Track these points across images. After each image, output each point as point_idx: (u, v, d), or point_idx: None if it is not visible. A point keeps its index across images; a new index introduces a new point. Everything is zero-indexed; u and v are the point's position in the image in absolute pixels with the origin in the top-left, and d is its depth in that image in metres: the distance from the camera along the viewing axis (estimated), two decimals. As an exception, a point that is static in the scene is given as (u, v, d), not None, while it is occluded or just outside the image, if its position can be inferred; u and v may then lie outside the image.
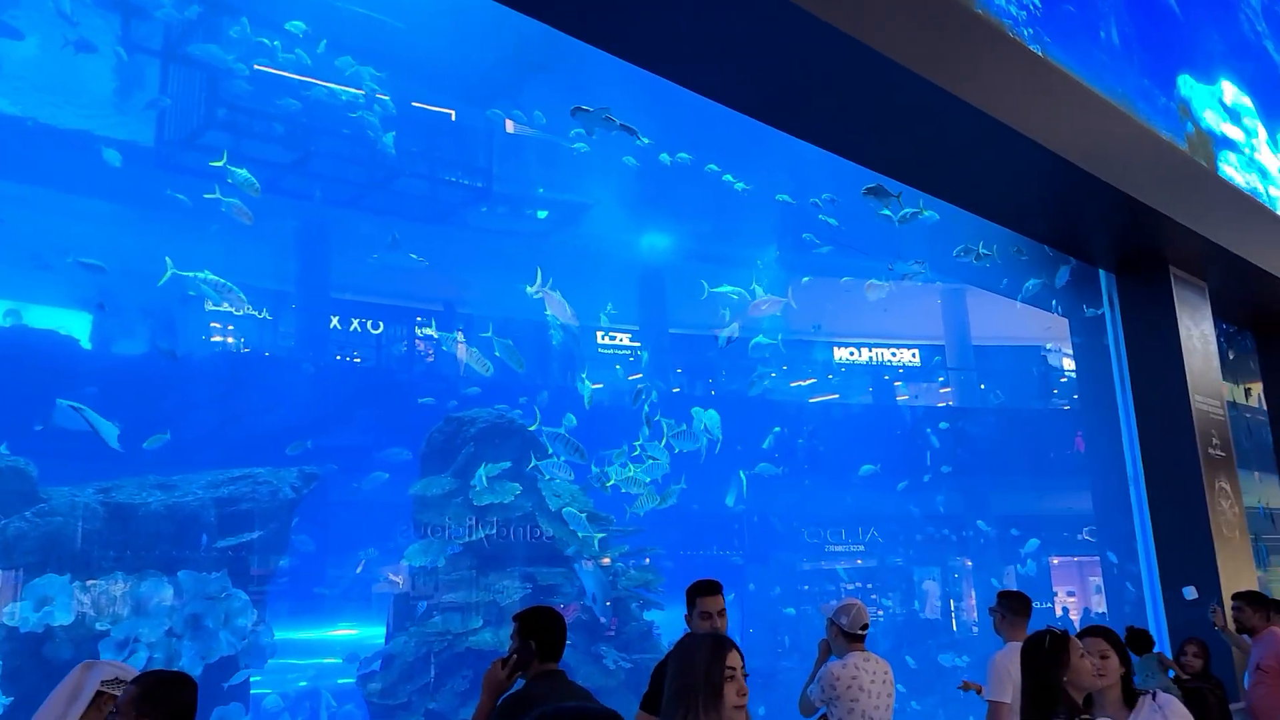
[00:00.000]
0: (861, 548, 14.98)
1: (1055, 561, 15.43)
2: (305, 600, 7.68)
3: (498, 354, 7.89)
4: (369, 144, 8.66)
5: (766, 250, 12.28)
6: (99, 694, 3.18)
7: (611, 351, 12.20)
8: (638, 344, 12.87)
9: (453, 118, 9.86)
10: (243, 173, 7.46)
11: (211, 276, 7.18)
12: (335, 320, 7.73)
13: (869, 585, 14.29)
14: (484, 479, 7.21)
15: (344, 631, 7.51)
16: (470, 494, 7.37)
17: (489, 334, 7.81)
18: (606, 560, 8.06)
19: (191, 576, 6.55)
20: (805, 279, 12.37)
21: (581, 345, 10.59)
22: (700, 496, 10.53)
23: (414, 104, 9.38)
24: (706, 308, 11.49)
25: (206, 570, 6.65)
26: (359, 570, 7.87)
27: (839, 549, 14.84)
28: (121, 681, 3.21)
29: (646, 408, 9.21)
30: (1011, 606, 5.08)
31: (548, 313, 7.92)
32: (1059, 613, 14.82)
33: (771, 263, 12.46)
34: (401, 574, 7.66)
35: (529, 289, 7.31)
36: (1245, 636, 6.25)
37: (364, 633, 7.75)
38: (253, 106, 8.51)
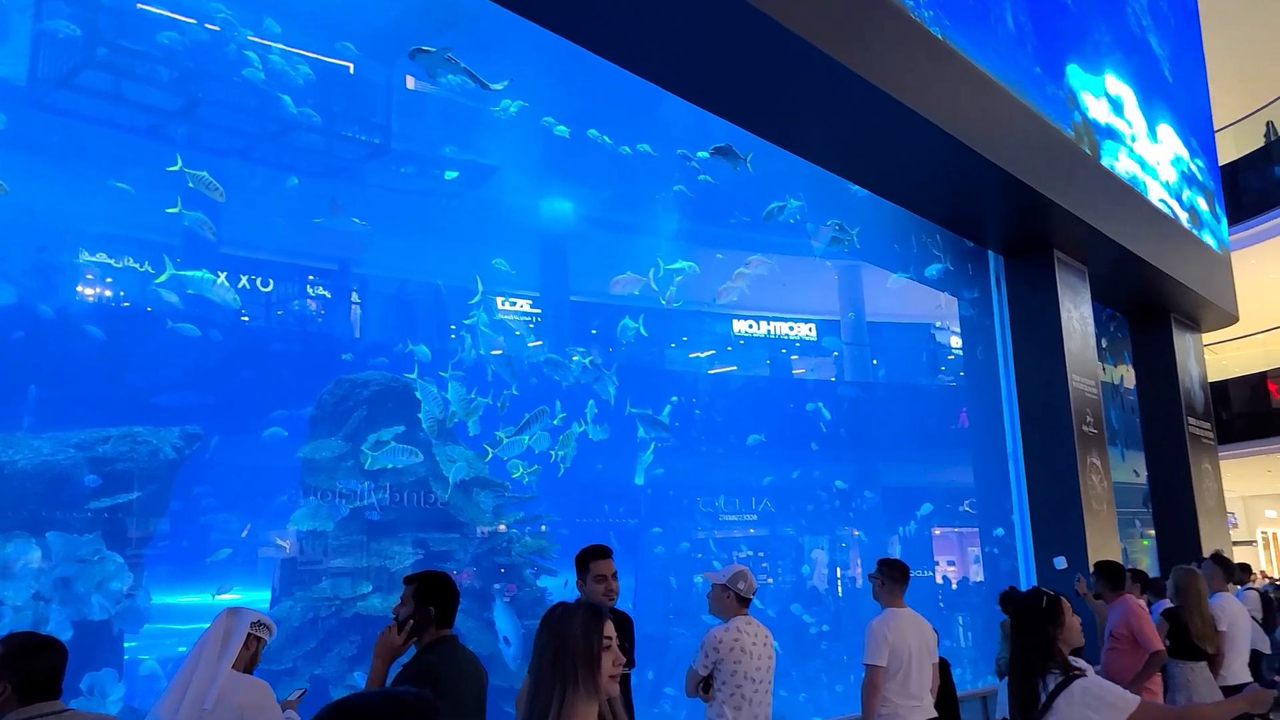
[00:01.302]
0: (754, 517, 15.25)
1: (937, 532, 15.98)
2: (186, 564, 7.42)
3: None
4: (261, 93, 8.32)
5: (669, 220, 12.31)
6: (248, 636, 3.44)
7: (512, 318, 12.06)
8: (538, 310, 12.76)
9: (351, 71, 9.56)
10: (203, 174, 7.16)
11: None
12: (222, 276, 7.42)
13: (760, 554, 14.58)
14: (376, 443, 7.08)
15: (226, 596, 7.29)
16: (361, 458, 7.23)
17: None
18: (503, 527, 8.03)
19: (61, 538, 6.25)
20: (719, 255, 12.46)
21: (483, 310, 10.45)
22: (595, 464, 10.55)
23: (311, 55, 9.06)
24: (609, 275, 11.46)
25: (79, 532, 6.37)
26: (243, 534, 7.63)
27: (732, 518, 15.07)
28: (265, 625, 3.53)
29: (569, 377, 9.19)
30: (891, 574, 5.25)
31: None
32: (939, 581, 15.35)
33: (675, 233, 12.50)
34: (288, 538, 7.49)
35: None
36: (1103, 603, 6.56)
37: (248, 598, 7.54)
38: (136, 47, 8.07)
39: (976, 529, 12.93)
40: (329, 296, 9.85)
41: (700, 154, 9.99)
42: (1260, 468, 22.65)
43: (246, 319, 8.68)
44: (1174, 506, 14.14)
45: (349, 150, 9.34)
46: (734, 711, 4.57)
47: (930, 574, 15.66)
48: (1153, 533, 14.26)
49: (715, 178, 10.38)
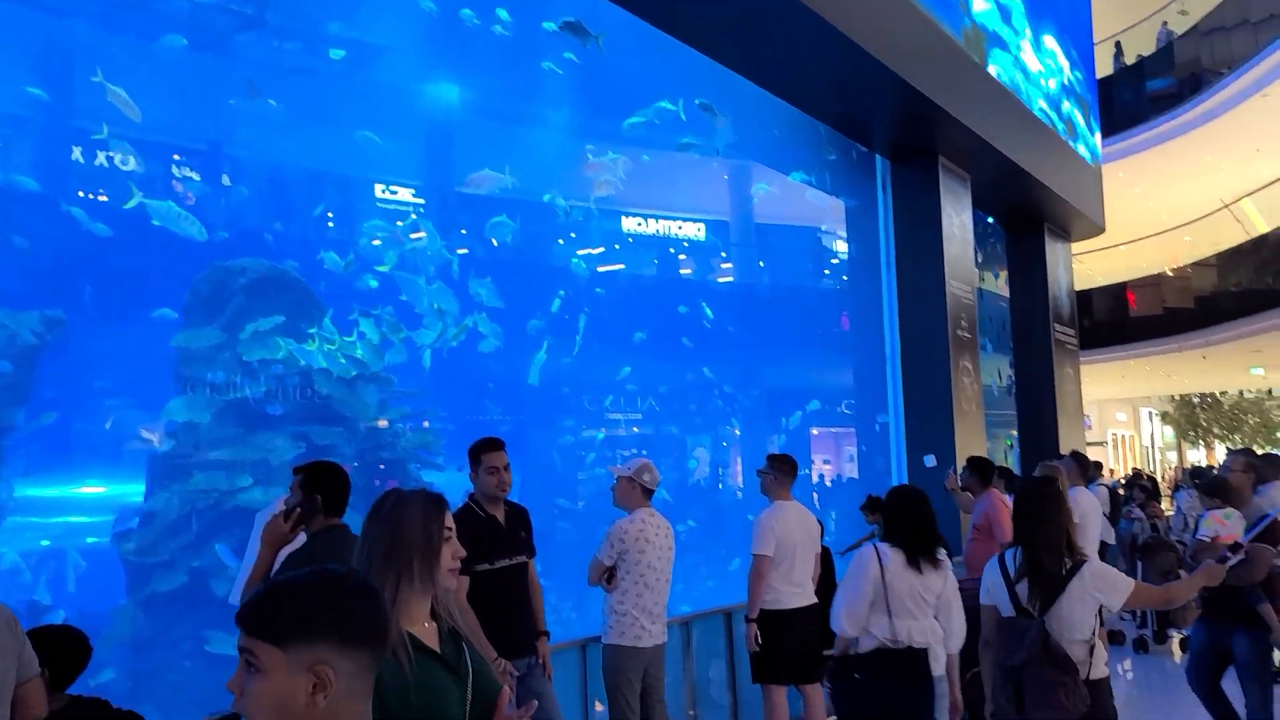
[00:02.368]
0: (639, 415, 15.44)
1: (815, 432, 16.51)
2: (50, 455, 7.05)
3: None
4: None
5: (560, 112, 12.00)
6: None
7: (392, 207, 11.65)
8: (420, 200, 12.35)
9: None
10: (120, 92, 6.51)
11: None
12: (78, 152, 6.87)
13: (643, 452, 14.82)
14: (255, 333, 6.78)
15: (94, 489, 6.99)
16: (239, 348, 6.94)
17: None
18: (384, 422, 7.88)
19: (-92, 427, 5.85)
20: (610, 153, 12.22)
21: (358, 198, 10.05)
22: (485, 361, 10.43)
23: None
24: (495, 167, 11.16)
25: (-73, 422, 5.97)
26: (108, 425, 7.27)
27: (618, 416, 15.23)
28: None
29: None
30: (780, 469, 5.40)
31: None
32: (815, 479, 15.91)
33: (565, 125, 12.21)
34: (162, 430, 7.19)
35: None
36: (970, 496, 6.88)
37: (118, 490, 7.25)
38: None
39: (853, 429, 13.37)
40: (199, 179, 9.29)
41: (547, 24, 9.64)
42: (1115, 373, 24.09)
43: (105, 199, 8.11)
44: (1036, 408, 14.90)
45: (222, 21, 8.71)
46: (636, 598, 4.68)
47: (808, 472, 16.24)
48: (1015, 433, 15.03)
49: (607, 69, 10.14)
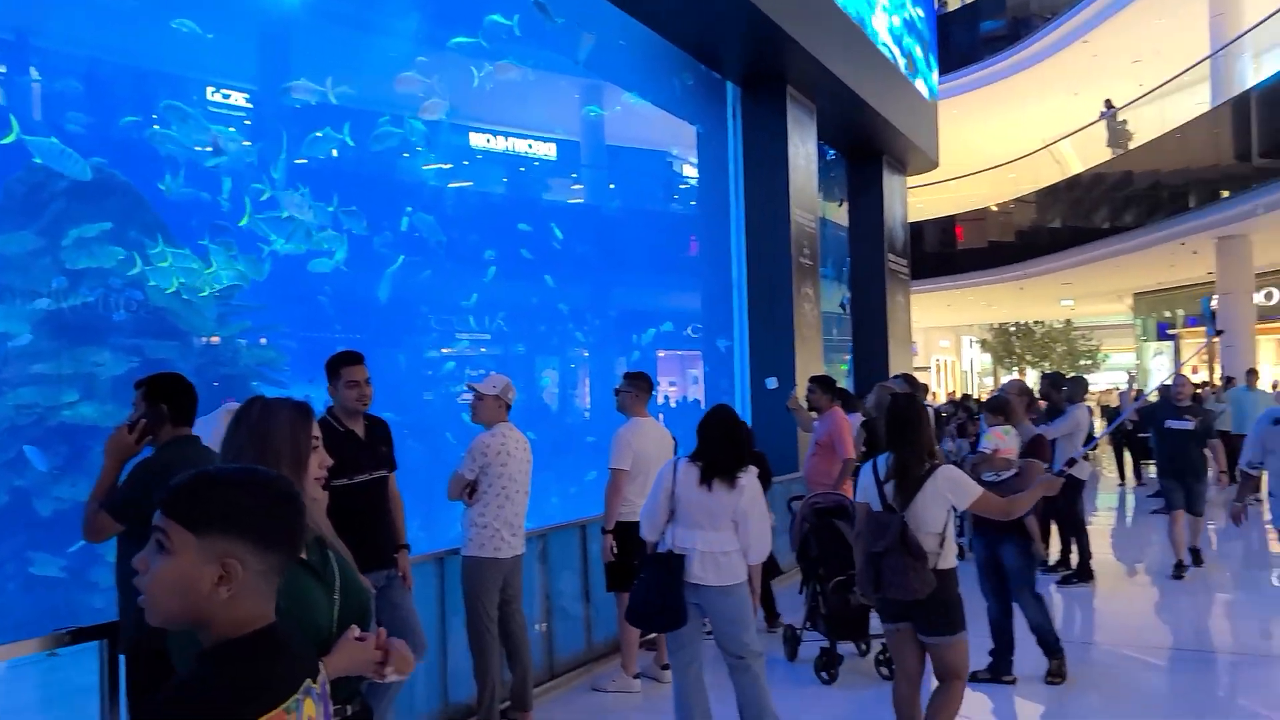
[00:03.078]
0: (488, 336, 15.32)
1: (662, 355, 16.82)
2: None
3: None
4: None
5: (408, 19, 11.55)
6: None
7: (227, 112, 11.00)
8: (252, 105, 11.70)
9: None
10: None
11: None
12: None
13: (487, 372, 14.75)
14: (79, 239, 6.31)
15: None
16: (62, 255, 6.44)
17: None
18: (215, 339, 7.54)
19: None
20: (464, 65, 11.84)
21: (189, 100, 9.44)
22: (327, 277, 10.10)
23: None
24: (340, 75, 10.67)
25: None
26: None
27: (466, 336, 15.07)
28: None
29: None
30: (637, 386, 5.54)
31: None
32: (661, 401, 16.25)
33: (412, 34, 11.76)
34: (-30, 342, 6.64)
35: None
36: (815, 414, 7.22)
37: (-79, 407, 6.69)
38: None
39: (699, 352, 13.66)
40: (6, 71, 8.49)
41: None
42: (942, 302, 25.46)
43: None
44: (870, 334, 15.60)
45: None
46: (498, 510, 4.75)
47: (654, 394, 16.58)
48: (849, 357, 15.73)
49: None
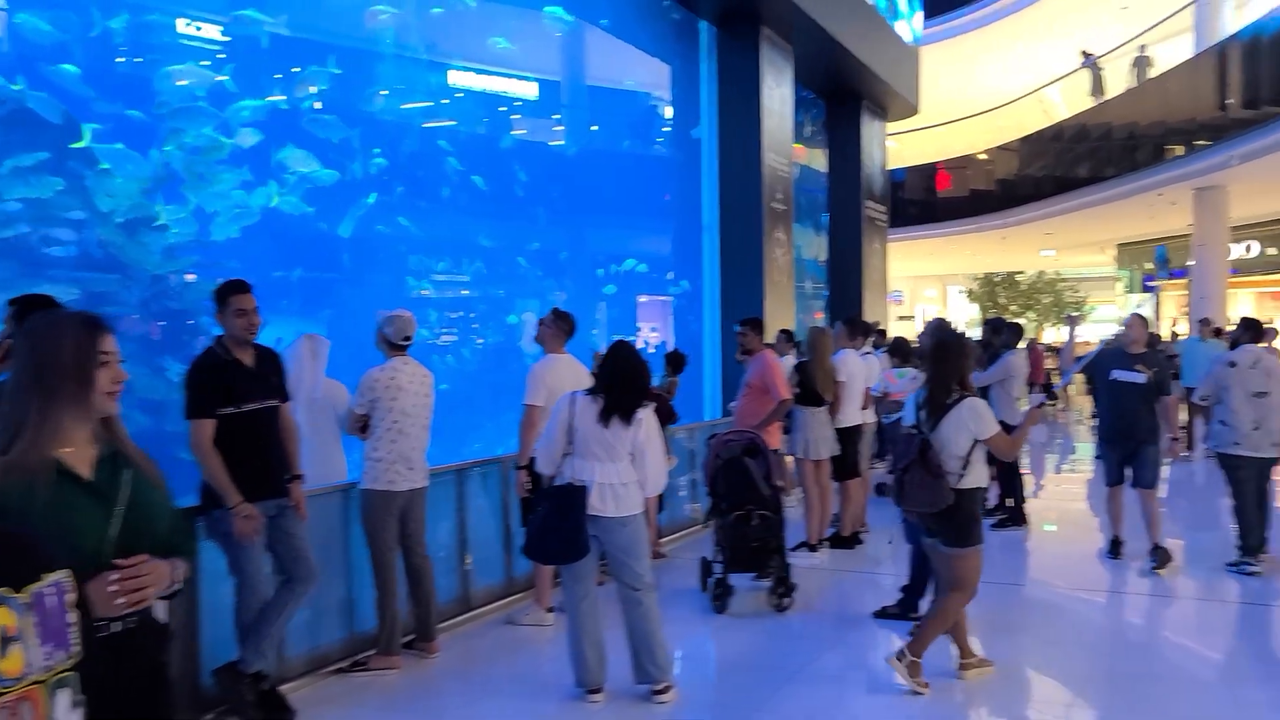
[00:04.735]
0: (466, 278, 15.30)
1: (642, 299, 16.82)
2: None
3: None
4: None
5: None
6: None
7: (197, 45, 10.86)
8: (228, 39, 11.54)
9: None
10: None
11: None
12: None
13: (471, 314, 14.77)
14: (15, 169, 6.26)
15: None
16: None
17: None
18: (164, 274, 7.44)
19: None
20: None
21: (157, 32, 9.34)
22: (293, 215, 10.07)
23: None
24: (311, 5, 10.53)
25: None
26: None
27: (443, 278, 15.05)
28: None
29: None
30: (559, 323, 5.59)
31: None
32: (641, 345, 16.30)
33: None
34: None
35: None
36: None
37: None
38: None
39: (673, 296, 13.70)
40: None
41: None
42: (925, 250, 25.42)
43: None
44: (845, 280, 15.64)
45: None
46: (391, 444, 4.81)
47: (634, 338, 16.62)
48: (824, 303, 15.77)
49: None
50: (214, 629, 4.22)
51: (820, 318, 15.53)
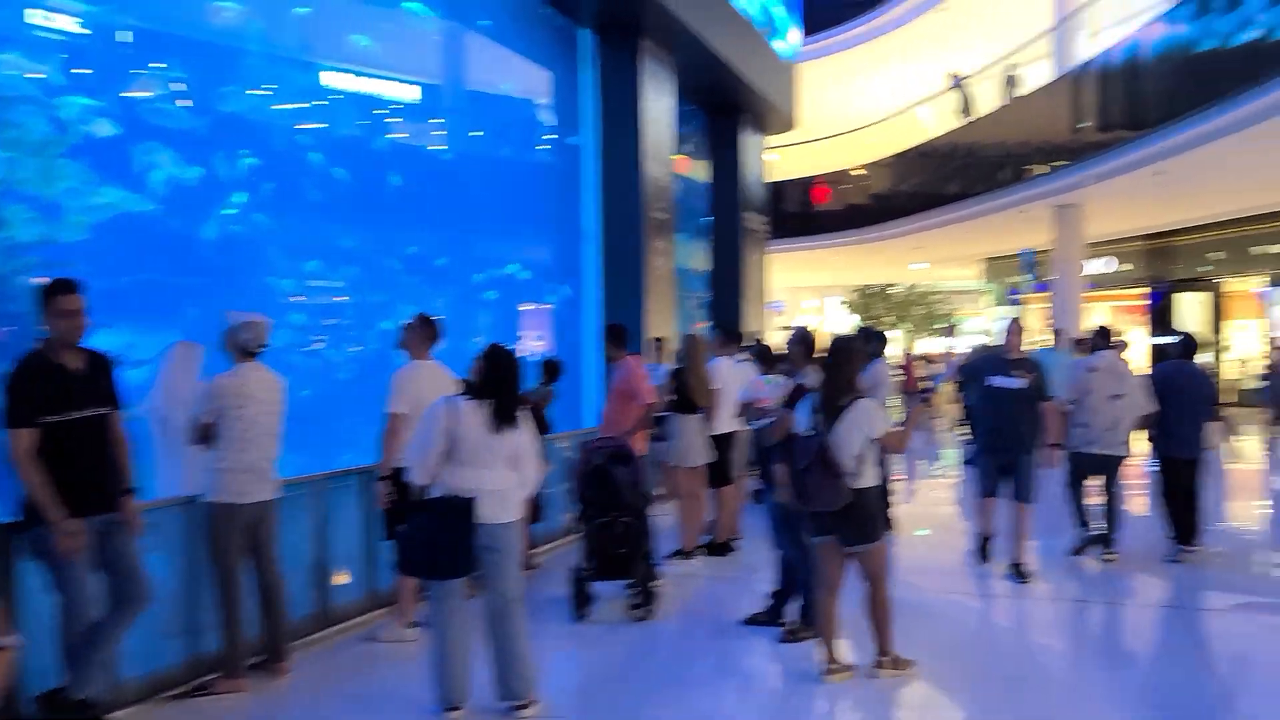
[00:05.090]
0: (340, 283, 14.85)
1: (524, 307, 16.64)
2: None
3: None
4: None
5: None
6: None
7: (48, 36, 10.26)
8: (87, 32, 10.94)
9: None
10: None
11: None
12: None
13: (345, 321, 14.33)
14: None
15: None
16: None
17: None
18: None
19: None
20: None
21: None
22: (154, 216, 9.59)
23: None
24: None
25: None
26: None
27: (316, 283, 14.58)
28: None
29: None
30: (424, 328, 5.43)
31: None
32: (524, 353, 16.07)
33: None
34: None
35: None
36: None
37: None
38: None
39: (555, 304, 13.60)
40: None
41: None
42: (803, 263, 25.97)
43: None
44: (726, 290, 15.81)
45: None
46: (239, 454, 4.56)
47: (514, 345, 16.41)
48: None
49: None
50: (37, 652, 3.92)
51: (702, 327, 15.65)
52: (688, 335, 7.56)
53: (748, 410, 5.37)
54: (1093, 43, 16.84)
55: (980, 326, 30.69)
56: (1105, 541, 7.31)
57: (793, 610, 5.56)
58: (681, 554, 7.15)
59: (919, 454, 13.85)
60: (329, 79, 14.30)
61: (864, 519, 4.64)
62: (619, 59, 11.69)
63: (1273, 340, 16.48)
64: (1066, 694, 4.78)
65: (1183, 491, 7.30)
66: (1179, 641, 5.85)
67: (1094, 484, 7.37)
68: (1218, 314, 20.82)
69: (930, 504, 10.73)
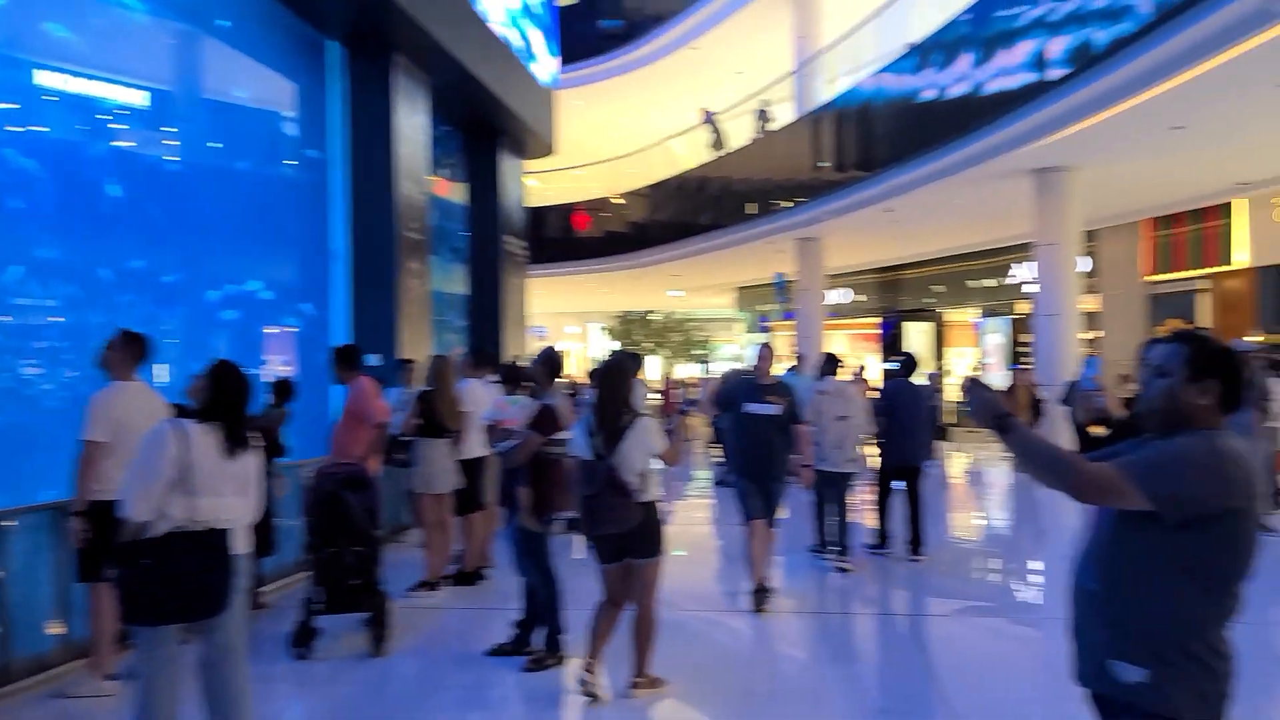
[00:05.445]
0: (54, 302, 13.46)
1: (269, 329, 15.70)
2: None
3: None
4: None
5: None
6: None
7: None
8: None
9: None
10: None
11: None
12: None
13: (64, 344, 12.99)
14: None
15: None
16: None
17: None
18: None
19: None
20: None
21: None
22: None
23: None
24: None
25: None
26: None
27: (26, 302, 13.14)
28: None
29: None
30: (129, 346, 4.86)
31: None
32: (268, 375, 15.16)
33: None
34: None
35: None
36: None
37: None
38: None
39: (301, 325, 12.92)
40: None
41: None
42: (565, 288, 26.20)
43: None
44: (485, 314, 15.61)
45: None
46: None
47: (257, 371, 15.43)
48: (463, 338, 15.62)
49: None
50: None
51: (461, 352, 15.34)
52: (436, 356, 7.32)
53: (492, 433, 5.22)
54: (830, 88, 18.04)
55: (733, 353, 32.07)
56: (841, 553, 7.76)
57: (539, 638, 5.44)
58: (426, 585, 6.87)
59: (674, 475, 14.15)
60: (42, 78, 12.97)
61: (652, 532, 4.69)
62: (370, 73, 11.35)
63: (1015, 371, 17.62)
64: (804, 703, 4.93)
65: (907, 500, 8.04)
66: (905, 645, 6.23)
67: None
68: (940, 342, 22.77)
69: (685, 524, 10.94)
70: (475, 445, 7.04)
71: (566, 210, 24.42)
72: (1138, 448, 2.30)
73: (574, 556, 7.93)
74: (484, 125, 15.06)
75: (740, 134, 20.98)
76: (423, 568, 6.99)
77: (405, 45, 11.32)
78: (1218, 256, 15.88)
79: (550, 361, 5.31)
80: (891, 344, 22.26)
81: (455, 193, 15.42)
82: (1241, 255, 15.46)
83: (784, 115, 19.89)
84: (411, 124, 11.79)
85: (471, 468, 7.10)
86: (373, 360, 11.28)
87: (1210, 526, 2.15)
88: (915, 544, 8.08)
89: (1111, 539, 2.29)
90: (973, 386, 2.41)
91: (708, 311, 33.06)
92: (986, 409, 2.33)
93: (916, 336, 22.83)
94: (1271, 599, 7.06)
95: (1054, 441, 2.46)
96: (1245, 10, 8.05)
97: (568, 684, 4.94)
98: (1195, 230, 16.27)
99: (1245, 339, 12.39)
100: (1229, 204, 15.41)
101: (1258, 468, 2.26)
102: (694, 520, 11.27)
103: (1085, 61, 9.99)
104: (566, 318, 34.61)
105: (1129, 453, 2.29)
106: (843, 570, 7.65)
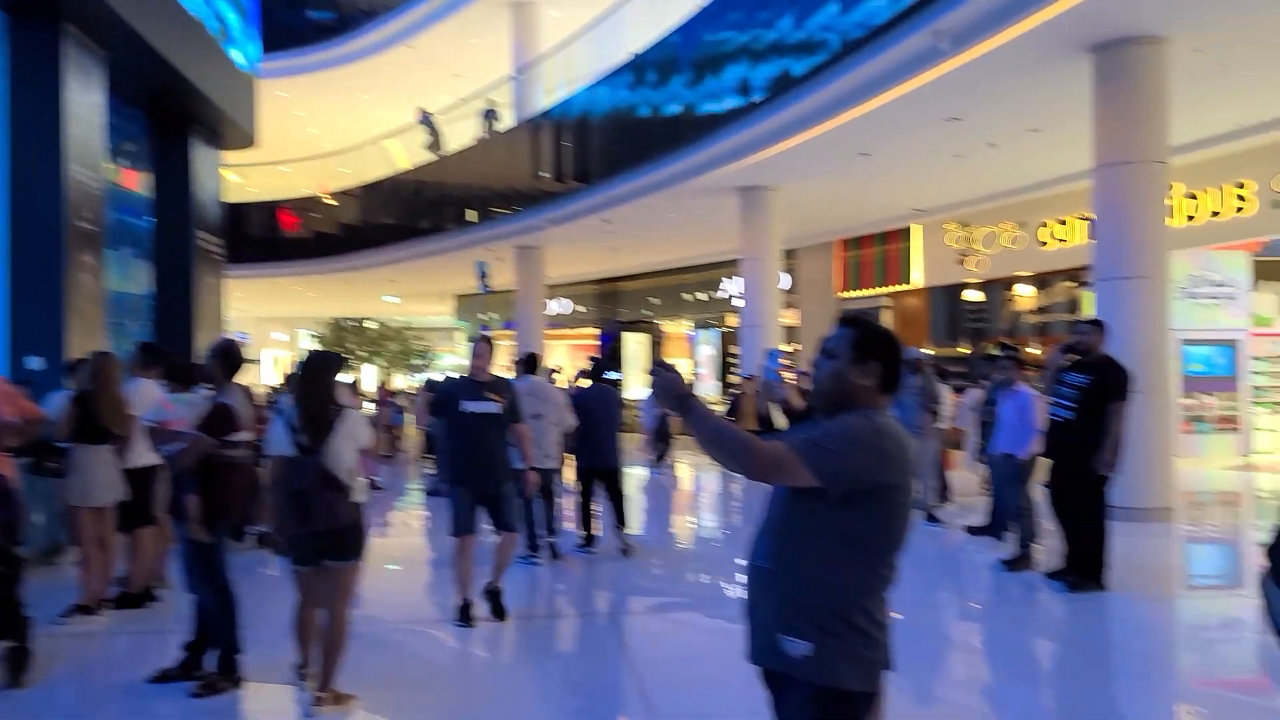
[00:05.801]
0: None
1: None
2: None
3: None
4: None
5: None
6: None
7: None
8: None
9: None
10: None
11: None
12: None
13: None
14: None
15: None
16: None
17: None
18: None
19: None
20: None
21: None
22: None
23: None
24: None
25: None
26: None
27: None
28: None
29: None
30: None
31: None
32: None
33: None
34: None
35: None
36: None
37: None
38: None
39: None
40: None
41: None
42: (269, 291, 24.66)
43: None
44: (174, 316, 14.30)
45: None
46: None
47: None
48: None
49: None
50: None
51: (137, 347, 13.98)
52: (97, 353, 6.50)
53: (156, 435, 4.66)
54: (549, 98, 18.17)
55: (453, 363, 31.57)
56: (551, 547, 8.10)
57: (211, 660, 4.92)
58: (83, 609, 6.07)
59: (385, 485, 13.59)
60: None
61: (355, 535, 4.50)
62: (34, 43, 10.17)
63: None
64: (503, 710, 4.78)
65: (609, 501, 8.48)
66: (607, 644, 6.22)
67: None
68: (657, 352, 23.56)
69: (396, 534, 10.52)
70: (144, 452, 6.30)
71: (272, 208, 23.00)
72: (810, 428, 2.36)
73: (266, 572, 7.37)
74: (174, 110, 13.83)
75: (460, 137, 20.66)
76: (80, 591, 6.18)
77: (76, 14, 10.21)
78: (898, 276, 17.53)
79: (227, 354, 4.82)
80: (611, 354, 22.76)
81: (142, 183, 14.06)
82: (918, 275, 17.14)
83: (505, 122, 19.81)
84: (84, 102, 10.64)
85: (139, 477, 6.36)
86: (34, 363, 10.12)
87: (869, 501, 2.25)
88: (624, 545, 8.42)
89: (782, 517, 2.35)
90: (657, 368, 2.40)
91: (427, 320, 32.32)
92: (669, 389, 2.34)
93: (634, 347, 23.49)
94: (939, 583, 7.78)
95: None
96: (918, 48, 8.91)
97: (244, 709, 4.48)
98: (880, 251, 17.88)
99: (918, 350, 13.73)
100: (908, 228, 17.05)
101: (914, 446, 2.38)
102: (404, 530, 10.86)
103: (783, 86, 10.66)
104: (273, 323, 32.64)
105: (801, 433, 2.34)
106: (535, 564, 7.90)
